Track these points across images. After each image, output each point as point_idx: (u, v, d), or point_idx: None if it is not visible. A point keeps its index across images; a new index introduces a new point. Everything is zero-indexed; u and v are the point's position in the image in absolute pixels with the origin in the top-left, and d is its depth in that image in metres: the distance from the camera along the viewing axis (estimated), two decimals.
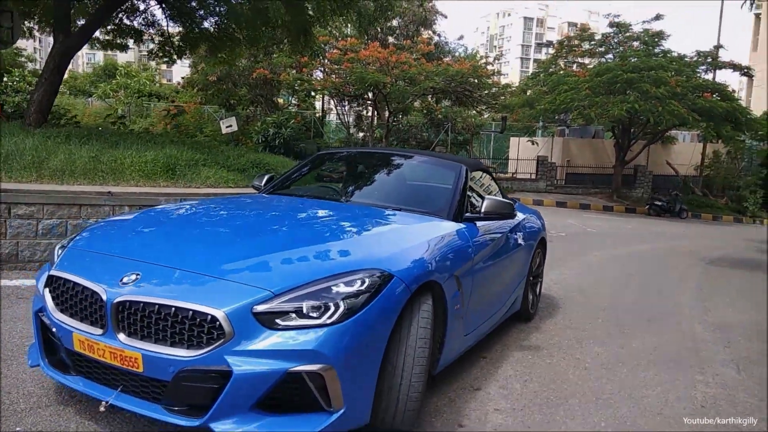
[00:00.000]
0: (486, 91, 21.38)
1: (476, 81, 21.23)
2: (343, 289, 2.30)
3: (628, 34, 22.21)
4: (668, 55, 20.89)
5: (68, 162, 5.97)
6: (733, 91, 21.24)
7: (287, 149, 20.22)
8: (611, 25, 22.49)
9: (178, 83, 30.61)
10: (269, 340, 2.16)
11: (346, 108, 26.52)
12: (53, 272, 2.56)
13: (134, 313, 2.24)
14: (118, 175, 6.24)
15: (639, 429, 2.99)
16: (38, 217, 5.06)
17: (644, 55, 20.22)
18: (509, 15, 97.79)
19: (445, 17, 29.18)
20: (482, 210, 3.52)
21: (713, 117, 18.60)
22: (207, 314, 2.16)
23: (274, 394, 2.17)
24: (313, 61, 20.95)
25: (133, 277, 2.33)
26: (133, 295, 2.25)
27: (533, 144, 24.65)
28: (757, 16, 33.95)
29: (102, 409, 2.28)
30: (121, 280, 2.32)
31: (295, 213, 3.33)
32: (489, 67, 22.58)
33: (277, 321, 2.19)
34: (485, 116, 27.24)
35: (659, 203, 20.25)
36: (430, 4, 26.46)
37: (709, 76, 21.98)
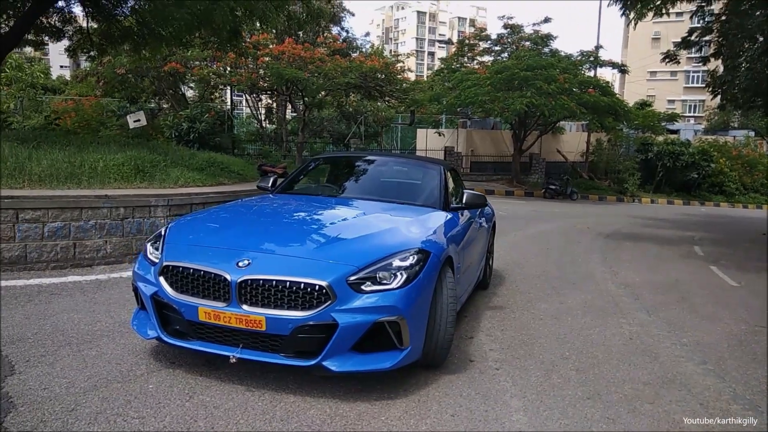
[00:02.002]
0: (397, 87, 22.54)
1: (385, 77, 22.37)
2: (399, 263, 3.19)
3: (520, 34, 24.37)
4: (556, 54, 23.19)
5: (52, 168, 6.25)
6: (610, 84, 24.00)
7: (202, 143, 20.12)
8: (505, 26, 24.55)
9: (77, 75, 29.07)
10: (360, 301, 3.02)
11: (257, 101, 26.69)
12: (168, 263, 3.22)
13: (255, 288, 3.00)
14: (98, 179, 6.58)
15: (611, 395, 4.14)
16: (44, 221, 5.40)
17: (535, 55, 22.32)
18: (403, 9, 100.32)
19: (353, 15, 30.06)
20: (464, 201, 4.53)
21: (597, 110, 21.02)
22: (315, 284, 2.97)
23: (364, 338, 3.03)
24: (226, 56, 21.03)
25: (247, 262, 3.07)
26: (252, 275, 3.01)
27: (440, 135, 26.26)
28: (627, 16, 37.84)
29: (232, 360, 3.02)
30: (237, 265, 3.06)
31: (330, 209, 4.13)
32: (399, 65, 23.76)
33: (362, 287, 3.05)
34: (392, 110, 28.52)
35: (553, 187, 22.54)
36: (338, 1, 27.22)
37: (592, 73, 24.66)
